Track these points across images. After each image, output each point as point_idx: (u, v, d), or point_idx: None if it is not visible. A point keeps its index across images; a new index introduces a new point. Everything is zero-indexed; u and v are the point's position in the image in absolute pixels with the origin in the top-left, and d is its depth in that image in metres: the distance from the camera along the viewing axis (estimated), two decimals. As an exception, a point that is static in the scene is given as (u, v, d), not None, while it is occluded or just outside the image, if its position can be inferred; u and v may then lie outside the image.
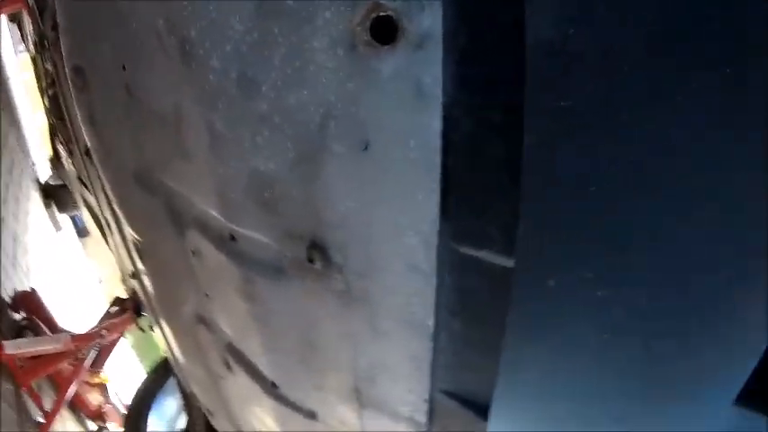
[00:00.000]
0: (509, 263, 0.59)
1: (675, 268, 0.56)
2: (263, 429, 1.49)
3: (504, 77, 0.54)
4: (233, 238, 0.98)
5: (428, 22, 0.57)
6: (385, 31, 0.60)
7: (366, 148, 0.65)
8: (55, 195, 6.45)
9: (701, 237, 0.55)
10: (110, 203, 1.64)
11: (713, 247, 0.55)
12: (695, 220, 0.54)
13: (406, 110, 0.61)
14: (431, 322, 0.72)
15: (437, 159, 0.60)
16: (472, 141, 0.59)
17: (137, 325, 3.95)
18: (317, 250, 0.77)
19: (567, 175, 0.53)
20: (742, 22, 0.47)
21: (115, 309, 4.24)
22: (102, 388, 5.16)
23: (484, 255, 0.62)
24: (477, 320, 0.69)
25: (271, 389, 1.22)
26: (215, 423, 1.99)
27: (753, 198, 0.52)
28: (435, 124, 0.59)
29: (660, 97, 0.50)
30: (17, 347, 3.92)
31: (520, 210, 0.55)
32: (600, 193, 0.53)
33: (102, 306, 4.86)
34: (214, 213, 1.01)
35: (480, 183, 0.60)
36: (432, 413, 0.86)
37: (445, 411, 0.83)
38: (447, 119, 0.59)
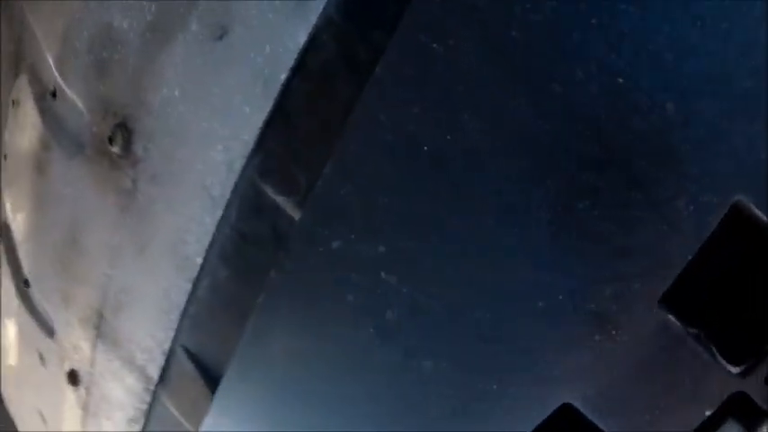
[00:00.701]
0: (298, 215, 0.51)
1: (472, 288, 0.49)
2: (4, 342, 1.29)
3: (392, 17, 0.47)
4: (54, 95, 0.84)
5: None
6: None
7: (221, 37, 0.56)
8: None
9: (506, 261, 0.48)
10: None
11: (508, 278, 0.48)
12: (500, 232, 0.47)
13: (278, 11, 0.52)
14: (199, 260, 0.61)
15: (282, 76, 0.52)
16: (324, 73, 0.51)
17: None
18: (121, 132, 0.65)
19: (393, 137, 0.45)
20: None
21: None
22: None
23: (281, 201, 0.53)
24: (243, 273, 0.60)
25: (22, 287, 1.05)
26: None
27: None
28: (300, 38, 0.51)
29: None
30: None
31: (330, 155, 0.47)
32: (423, 167, 0.45)
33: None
34: (50, 61, 0.87)
35: (311, 120, 0.52)
36: (166, 371, 0.74)
37: (179, 372, 0.71)
38: (313, 38, 0.50)
